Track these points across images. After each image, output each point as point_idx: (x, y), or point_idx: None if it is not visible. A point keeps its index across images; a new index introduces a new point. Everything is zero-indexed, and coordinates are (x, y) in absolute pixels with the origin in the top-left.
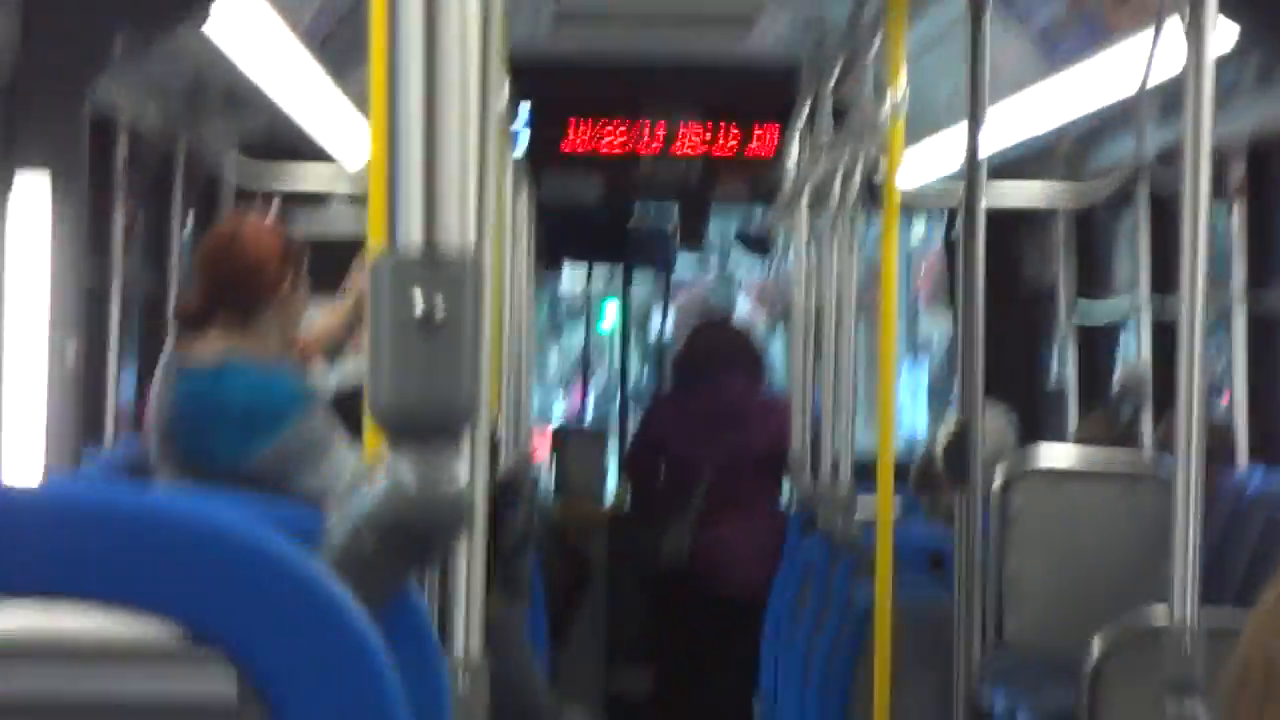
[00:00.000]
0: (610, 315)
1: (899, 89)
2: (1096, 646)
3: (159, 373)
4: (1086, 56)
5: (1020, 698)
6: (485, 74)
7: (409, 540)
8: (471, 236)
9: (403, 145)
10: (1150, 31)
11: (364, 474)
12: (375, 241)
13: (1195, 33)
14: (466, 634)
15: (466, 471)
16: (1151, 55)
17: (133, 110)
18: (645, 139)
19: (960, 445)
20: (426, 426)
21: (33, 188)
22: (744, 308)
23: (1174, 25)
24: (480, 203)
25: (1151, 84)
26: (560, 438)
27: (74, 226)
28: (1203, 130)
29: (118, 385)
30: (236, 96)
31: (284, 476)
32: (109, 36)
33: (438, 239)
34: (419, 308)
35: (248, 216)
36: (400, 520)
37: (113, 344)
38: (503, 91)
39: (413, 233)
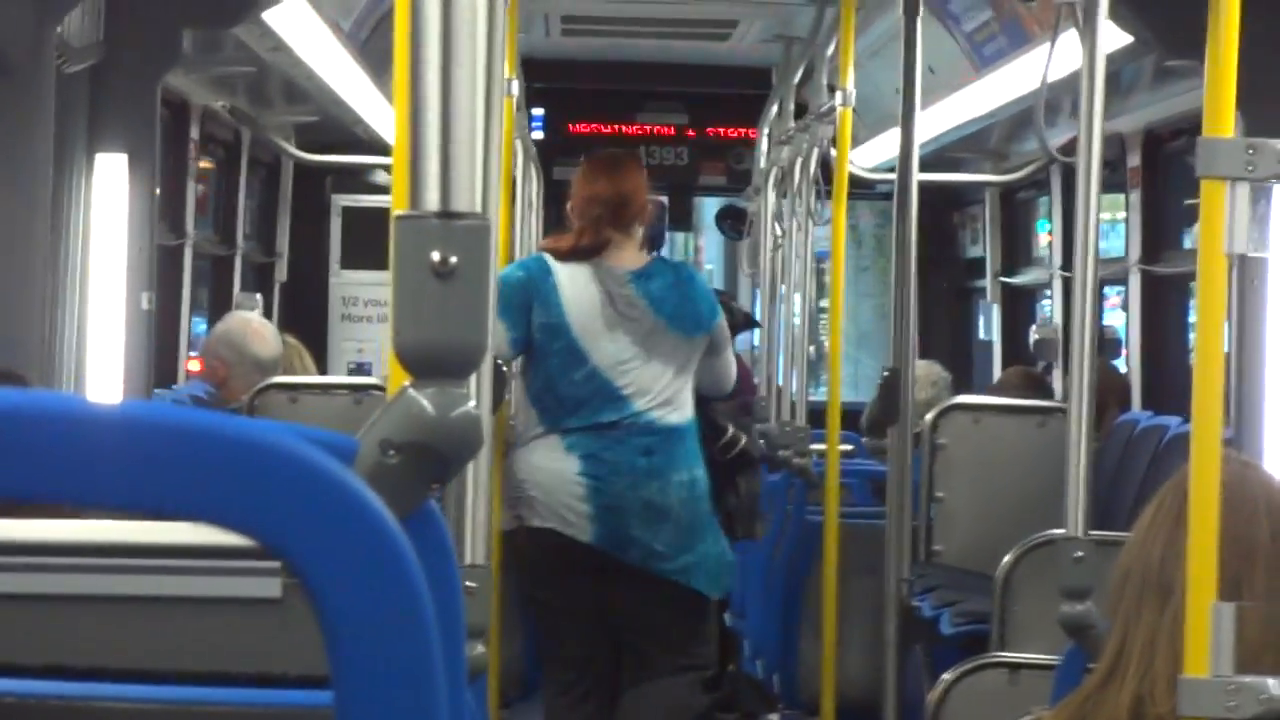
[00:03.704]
0: None
1: (848, 86)
2: (1007, 559)
3: (590, 278)
4: (1010, 58)
5: (944, 604)
6: (492, 63)
7: (428, 459)
8: (479, 201)
9: (421, 123)
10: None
11: (732, 375)
12: (398, 205)
13: (1089, 39)
14: (473, 544)
15: (476, 401)
16: (1049, 58)
17: (204, 99)
18: (639, 132)
19: (891, 389)
20: (441, 361)
21: (111, 167)
22: None
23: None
24: (486, 180)
25: (1056, 83)
26: None
27: (146, 200)
28: (1094, 124)
29: (190, 333)
30: (294, 91)
31: (718, 348)
32: (178, 35)
33: (451, 201)
34: (434, 260)
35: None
36: (420, 440)
37: (185, 298)
38: (512, 83)
39: (430, 196)
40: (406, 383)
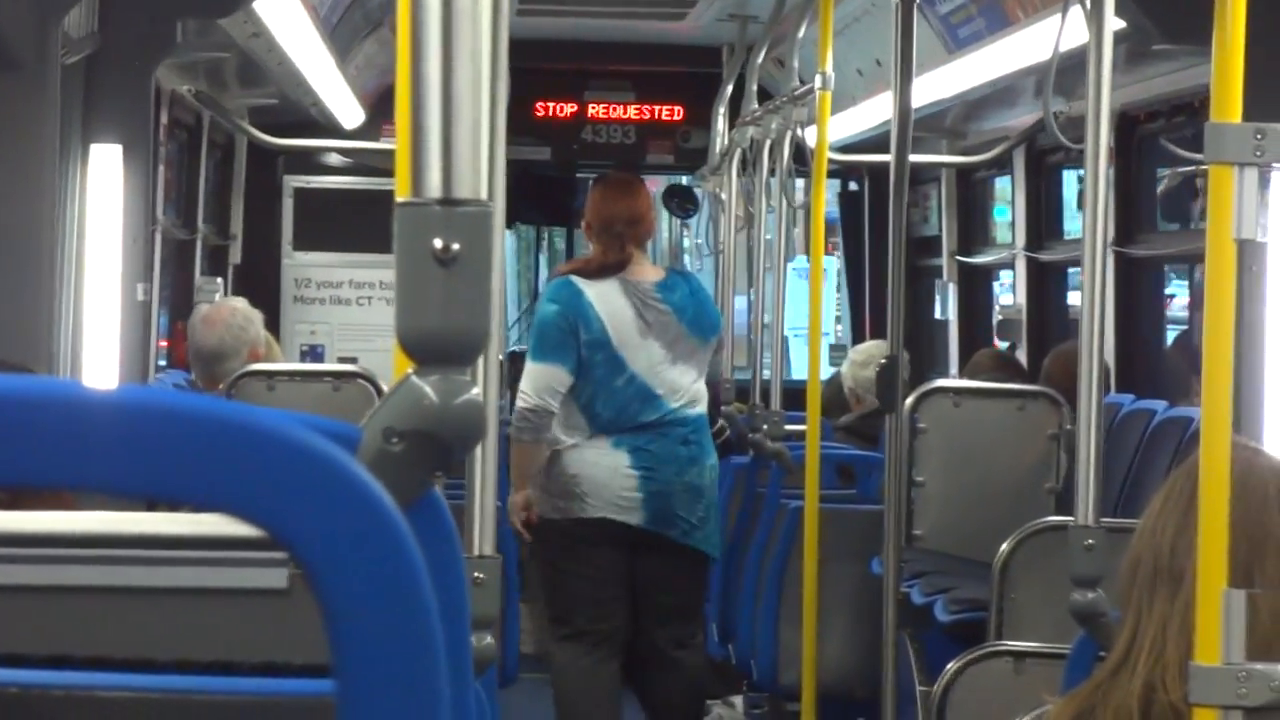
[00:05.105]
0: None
1: (827, 70)
2: (1005, 547)
3: (619, 292)
4: (988, 41)
5: (934, 591)
6: (494, 48)
7: (432, 447)
8: (482, 188)
9: (423, 109)
10: (1036, 21)
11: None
12: (402, 192)
13: (1095, 21)
14: (480, 533)
15: (481, 388)
16: (1058, 39)
17: (171, 83)
18: (589, 113)
19: (888, 377)
20: (444, 348)
21: (106, 158)
22: None
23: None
24: (491, 166)
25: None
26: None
27: (140, 191)
28: (1102, 102)
29: (158, 324)
30: (256, 73)
31: (719, 347)
32: (173, 26)
33: (454, 188)
34: (437, 247)
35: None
36: (424, 428)
37: (155, 287)
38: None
39: (432, 182)
40: (410, 370)
